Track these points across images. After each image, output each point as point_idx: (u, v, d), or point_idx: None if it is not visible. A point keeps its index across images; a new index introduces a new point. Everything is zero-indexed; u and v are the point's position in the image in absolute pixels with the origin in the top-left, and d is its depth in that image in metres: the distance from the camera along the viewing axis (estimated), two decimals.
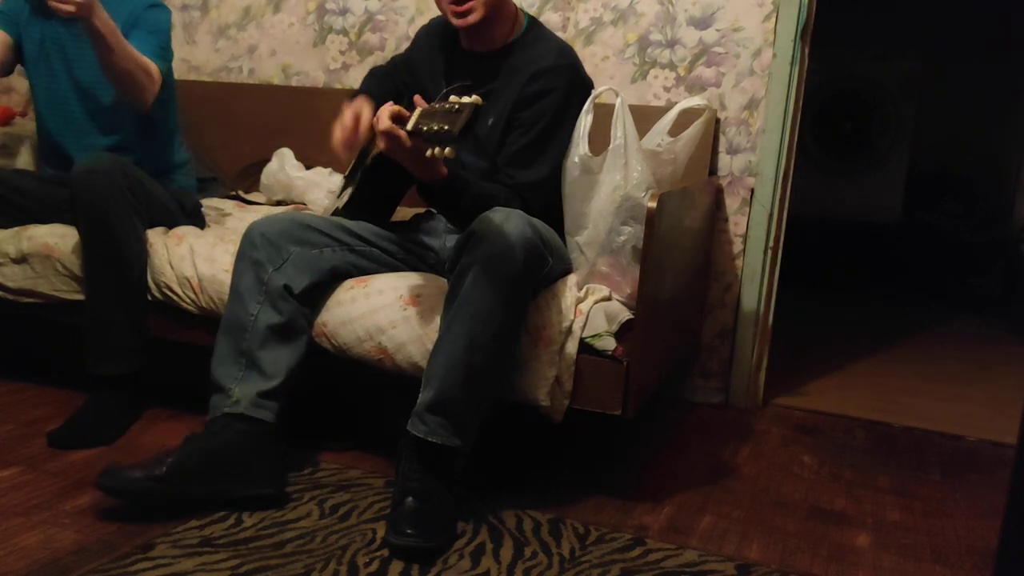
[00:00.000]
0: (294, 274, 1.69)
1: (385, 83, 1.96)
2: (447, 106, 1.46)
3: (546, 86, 1.72)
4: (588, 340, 1.64)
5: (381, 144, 1.54)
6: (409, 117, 1.51)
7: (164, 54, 2.06)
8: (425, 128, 1.46)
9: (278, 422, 1.65)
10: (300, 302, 1.70)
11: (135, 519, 1.52)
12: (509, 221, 1.50)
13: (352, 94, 1.93)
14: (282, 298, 1.67)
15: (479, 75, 1.76)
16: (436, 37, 1.89)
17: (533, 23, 1.82)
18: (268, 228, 1.70)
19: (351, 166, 1.94)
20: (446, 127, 1.43)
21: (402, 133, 1.49)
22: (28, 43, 2.09)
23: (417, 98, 1.55)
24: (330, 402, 2.16)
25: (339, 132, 1.73)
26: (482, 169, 1.77)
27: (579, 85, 1.76)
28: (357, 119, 1.73)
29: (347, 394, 2.19)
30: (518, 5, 1.83)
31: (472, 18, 1.70)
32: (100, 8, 1.83)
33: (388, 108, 1.51)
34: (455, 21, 1.72)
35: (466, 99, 1.44)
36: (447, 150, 1.44)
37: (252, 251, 1.68)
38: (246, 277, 1.68)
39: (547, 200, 1.72)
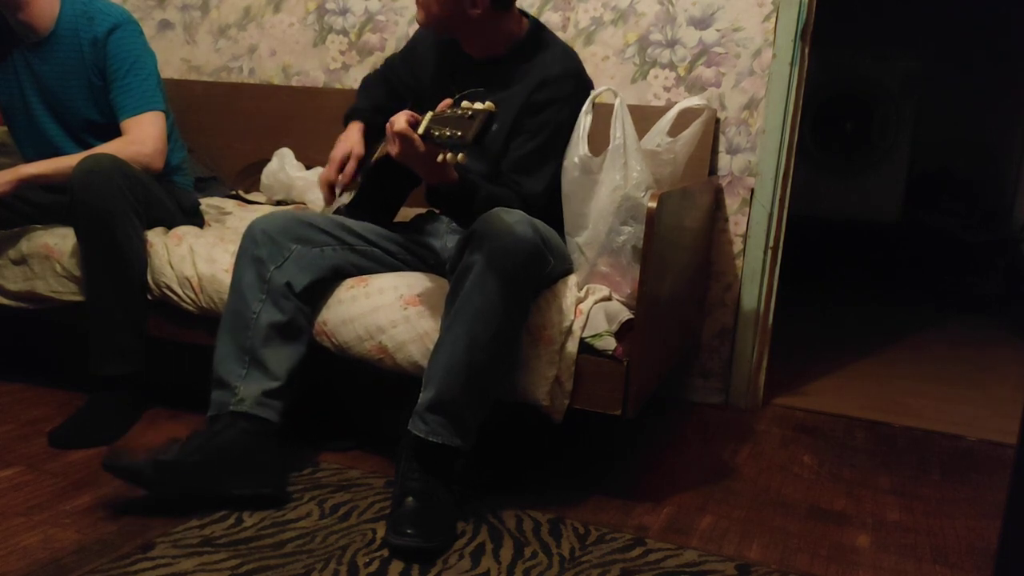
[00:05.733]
0: (295, 272, 1.69)
1: (379, 94, 1.97)
2: (460, 112, 1.44)
3: (554, 94, 1.72)
4: (588, 340, 1.64)
5: (393, 149, 1.53)
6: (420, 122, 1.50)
7: (157, 88, 2.05)
8: (437, 133, 1.45)
9: (281, 422, 1.66)
10: (301, 300, 1.70)
11: (135, 519, 1.52)
12: (511, 221, 1.50)
13: (346, 114, 1.93)
14: (284, 296, 1.67)
15: (482, 79, 1.76)
16: (442, 40, 1.88)
17: (537, 27, 1.81)
18: (269, 225, 1.70)
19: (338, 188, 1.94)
20: (459, 133, 1.42)
21: (417, 138, 1.49)
22: None
23: (446, 101, 1.54)
24: (330, 402, 2.15)
25: (326, 170, 1.86)
26: (480, 172, 1.77)
27: (583, 91, 1.76)
28: (345, 160, 1.83)
29: (347, 394, 2.19)
30: (521, 13, 1.82)
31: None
32: (22, 171, 1.93)
33: (404, 114, 1.51)
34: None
35: (479, 105, 1.43)
36: (459, 156, 1.43)
37: (254, 248, 1.68)
38: (247, 274, 1.68)
39: (547, 203, 1.73)
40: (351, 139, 1.86)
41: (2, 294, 2.05)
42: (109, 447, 1.51)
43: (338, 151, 1.85)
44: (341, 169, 1.85)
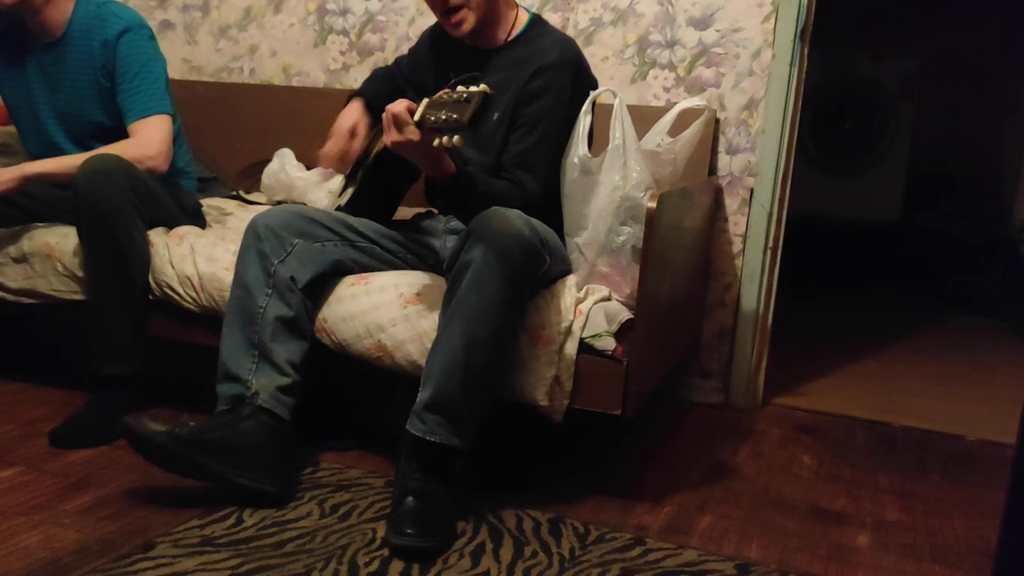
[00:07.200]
0: (298, 266, 1.70)
1: (385, 85, 1.97)
2: (455, 95, 1.44)
3: (549, 82, 1.72)
4: (588, 340, 1.64)
5: (389, 138, 1.53)
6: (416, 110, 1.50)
7: (166, 91, 2.05)
8: (432, 118, 1.44)
9: (292, 420, 1.66)
10: (304, 295, 1.71)
11: (135, 519, 1.52)
12: (508, 220, 1.51)
13: (349, 95, 1.94)
14: (289, 289, 1.68)
15: (481, 68, 1.77)
16: (439, 36, 1.89)
17: (537, 20, 1.83)
18: (272, 220, 1.71)
19: (353, 164, 1.94)
20: (455, 116, 1.41)
21: (412, 122, 1.48)
22: (6, 68, 2.11)
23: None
24: (330, 401, 2.16)
25: (333, 141, 1.83)
26: (483, 165, 1.77)
27: (583, 81, 1.76)
28: (353, 130, 1.82)
29: (347, 393, 2.19)
30: (519, 4, 1.84)
31: (466, 27, 1.72)
32: (27, 168, 1.95)
33: (401, 101, 1.51)
34: (452, 32, 1.75)
35: (474, 88, 1.43)
36: (455, 139, 1.43)
37: (257, 243, 1.69)
38: (252, 269, 1.68)
39: (545, 203, 1.73)
40: (355, 112, 1.86)
41: (3, 291, 2.05)
42: (128, 412, 1.52)
43: (344, 121, 1.84)
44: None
